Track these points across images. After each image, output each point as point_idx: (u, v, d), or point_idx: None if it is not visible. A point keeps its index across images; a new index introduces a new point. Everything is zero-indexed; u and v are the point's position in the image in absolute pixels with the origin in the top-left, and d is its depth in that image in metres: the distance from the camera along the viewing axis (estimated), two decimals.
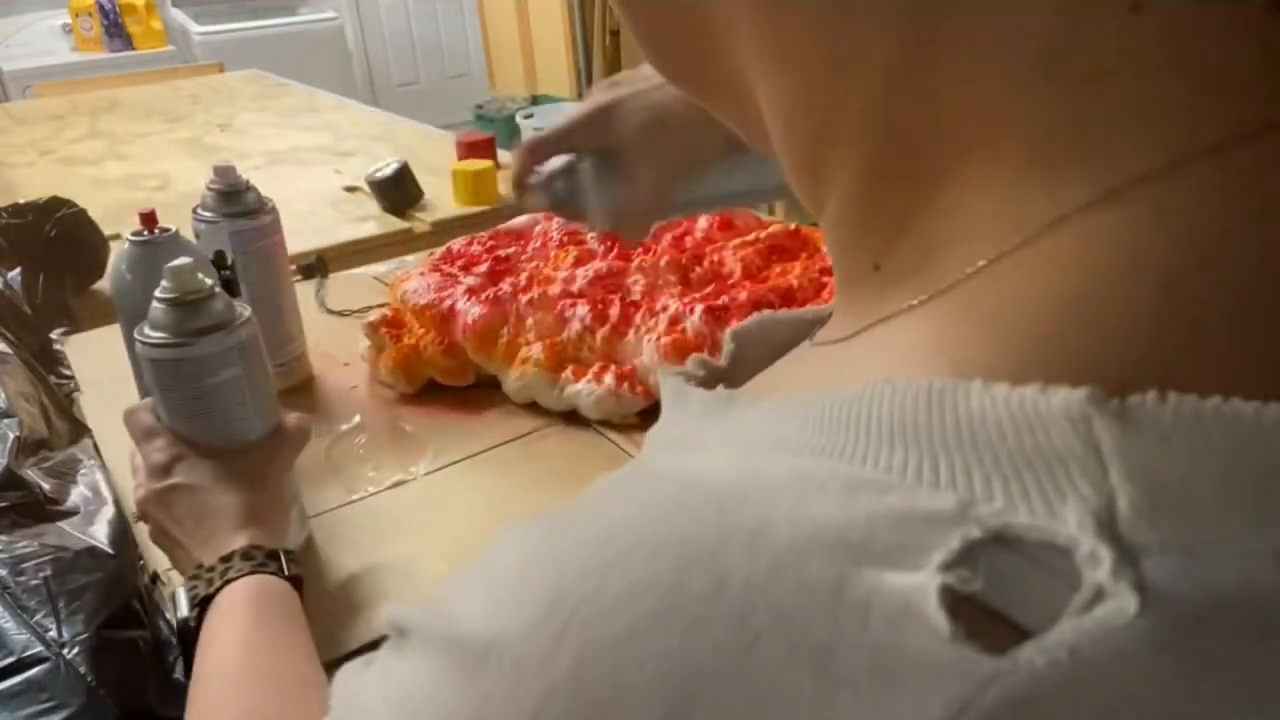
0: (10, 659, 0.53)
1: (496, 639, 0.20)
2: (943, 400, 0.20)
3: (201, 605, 0.53)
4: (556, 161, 0.61)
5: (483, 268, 0.93)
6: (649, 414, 0.80)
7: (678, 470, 0.24)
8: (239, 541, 0.56)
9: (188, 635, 0.53)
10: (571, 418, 0.81)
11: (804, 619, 0.18)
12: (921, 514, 0.18)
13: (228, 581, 0.53)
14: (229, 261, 0.83)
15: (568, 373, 0.81)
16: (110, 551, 0.62)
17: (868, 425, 0.21)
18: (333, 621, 0.59)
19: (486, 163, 1.47)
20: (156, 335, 0.60)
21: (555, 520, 0.23)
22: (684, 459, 0.26)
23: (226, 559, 0.55)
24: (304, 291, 1.05)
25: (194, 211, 0.84)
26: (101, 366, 0.92)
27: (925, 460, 0.19)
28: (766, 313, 0.42)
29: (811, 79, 0.24)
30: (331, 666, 0.56)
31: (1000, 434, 0.19)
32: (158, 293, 0.61)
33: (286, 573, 0.55)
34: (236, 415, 0.61)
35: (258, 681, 0.49)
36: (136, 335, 0.61)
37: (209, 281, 0.62)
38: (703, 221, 1.02)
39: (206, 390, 0.60)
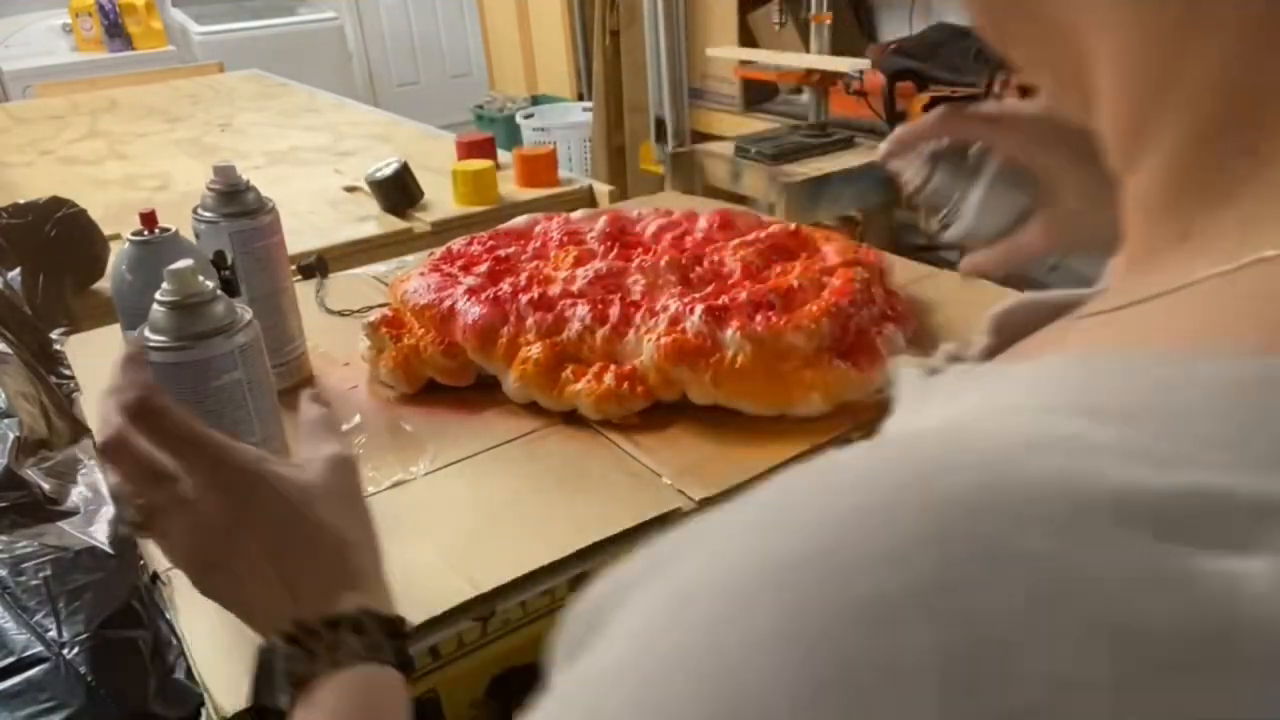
0: (10, 659, 0.53)
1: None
2: (1266, 378, 0.18)
3: (295, 686, 0.44)
4: (960, 144, 0.54)
5: (483, 268, 0.93)
6: (649, 414, 0.80)
7: (920, 431, 0.22)
8: (347, 602, 0.47)
9: (275, 709, 0.45)
10: (571, 418, 0.81)
11: (1104, 592, 0.16)
12: (1247, 498, 0.17)
13: (336, 664, 0.44)
14: (229, 261, 0.83)
15: (568, 373, 0.81)
16: (110, 551, 0.62)
17: (1167, 396, 0.19)
18: None
19: (486, 163, 1.47)
20: (157, 338, 0.60)
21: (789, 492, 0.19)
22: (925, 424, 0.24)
23: (333, 625, 0.45)
24: (304, 291, 1.05)
25: (194, 211, 0.84)
26: (101, 366, 0.91)
27: (1240, 440, 0.18)
28: (1029, 294, 0.35)
29: (1163, 29, 0.23)
30: None
31: None
32: (158, 295, 0.61)
33: (404, 656, 0.47)
34: (238, 419, 0.61)
35: None
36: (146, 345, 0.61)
37: (210, 284, 0.62)
38: (702, 222, 1.02)
39: (208, 394, 0.60)
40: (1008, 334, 0.33)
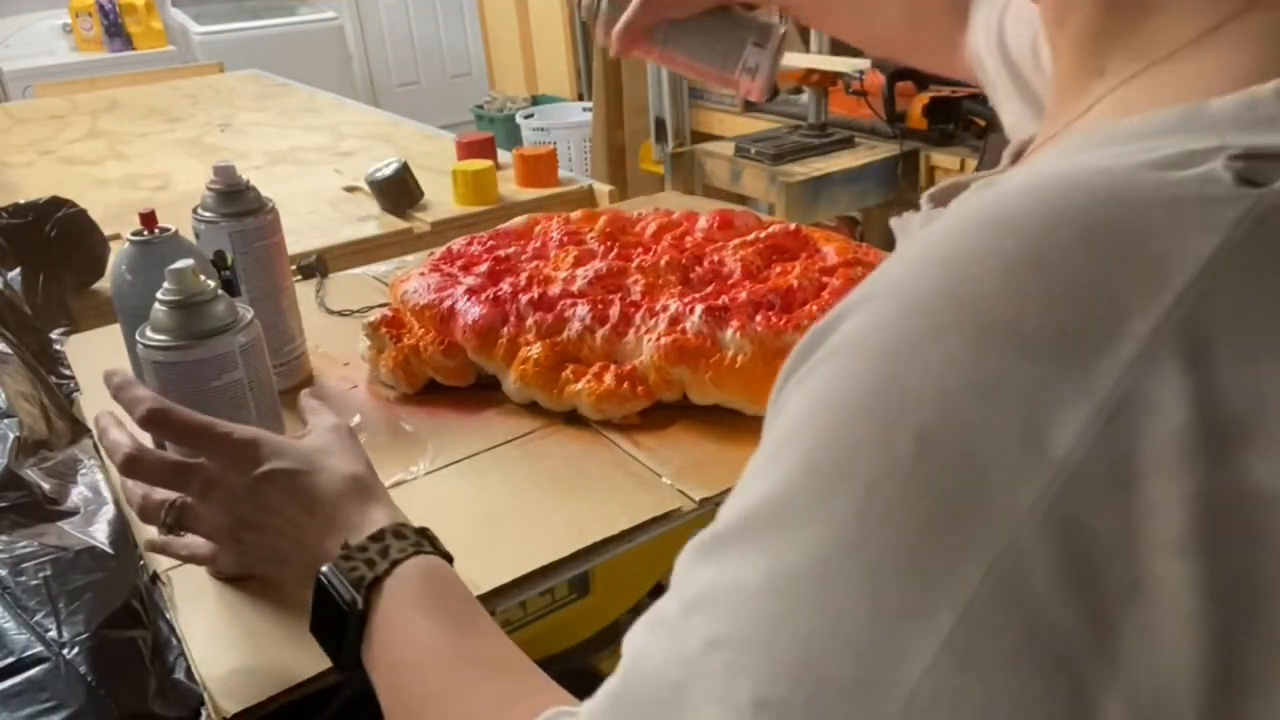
0: (10, 659, 0.53)
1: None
2: (1191, 110, 0.27)
3: (368, 589, 0.49)
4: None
5: (483, 268, 0.93)
6: (649, 414, 0.80)
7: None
8: (381, 519, 0.52)
9: (347, 619, 0.49)
10: (571, 418, 0.81)
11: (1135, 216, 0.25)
12: (1201, 150, 0.25)
13: (394, 563, 0.49)
14: (229, 261, 0.83)
15: (568, 373, 0.81)
16: (110, 551, 0.62)
17: (1134, 133, 0.27)
18: None
19: (486, 163, 1.47)
20: (158, 338, 0.60)
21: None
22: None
23: (378, 538, 0.51)
24: (304, 291, 1.05)
25: (194, 211, 0.84)
26: (101, 366, 0.91)
27: (1187, 139, 0.26)
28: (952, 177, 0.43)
29: None
30: (326, 668, 0.56)
31: (1231, 113, 0.26)
32: (160, 295, 0.61)
33: (442, 551, 0.53)
34: (240, 418, 0.61)
35: (478, 666, 0.46)
36: (138, 338, 0.61)
37: (211, 284, 0.62)
38: (703, 222, 1.02)
39: (210, 393, 0.60)
40: (942, 202, 0.41)
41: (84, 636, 0.55)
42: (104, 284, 1.17)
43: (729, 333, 0.79)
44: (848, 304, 0.28)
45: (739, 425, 0.78)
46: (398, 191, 1.42)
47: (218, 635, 0.60)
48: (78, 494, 0.69)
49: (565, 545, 0.65)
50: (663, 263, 0.91)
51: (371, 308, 1.02)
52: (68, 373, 0.95)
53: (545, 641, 0.75)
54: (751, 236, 0.96)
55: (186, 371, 0.60)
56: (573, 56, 3.80)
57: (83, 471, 0.72)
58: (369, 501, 0.54)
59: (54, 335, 1.02)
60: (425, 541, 0.52)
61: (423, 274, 0.93)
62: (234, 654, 0.58)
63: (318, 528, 0.53)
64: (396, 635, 0.48)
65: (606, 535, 0.66)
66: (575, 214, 1.08)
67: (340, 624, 0.49)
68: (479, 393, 0.86)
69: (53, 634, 0.55)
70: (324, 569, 0.50)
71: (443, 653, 0.47)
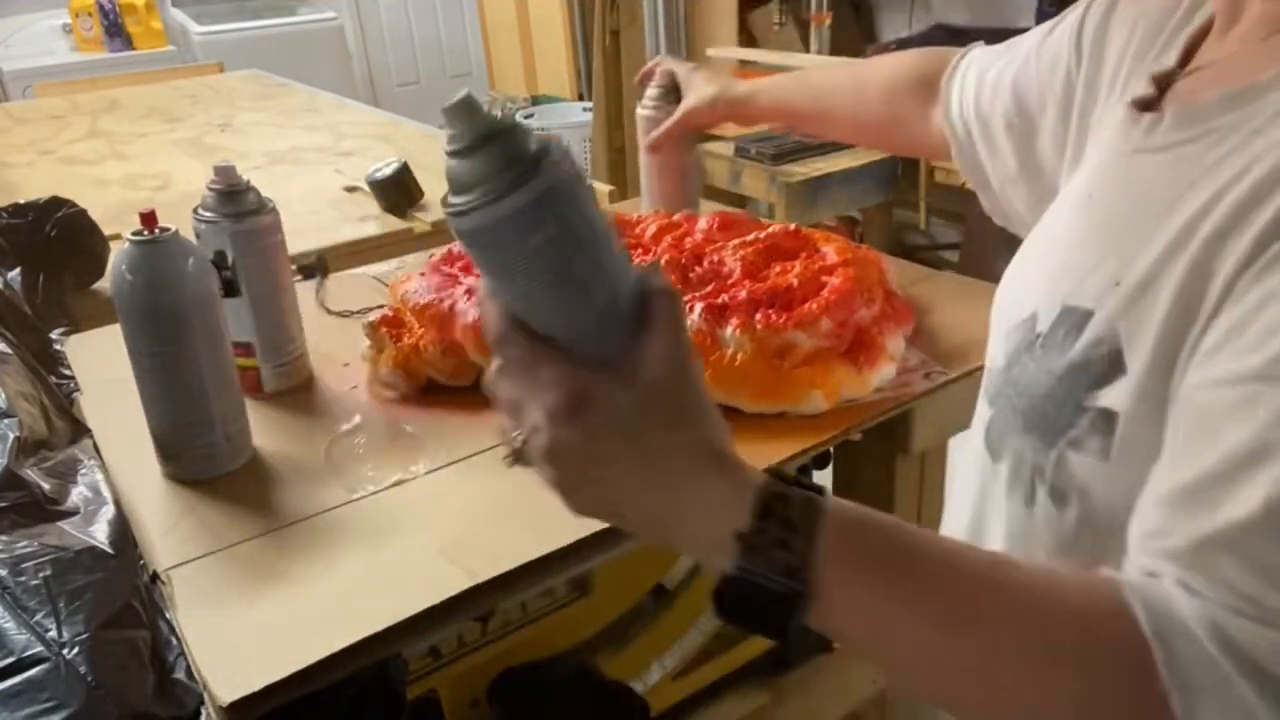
0: (10, 659, 0.53)
1: None
2: None
3: (793, 574, 0.42)
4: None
5: None
6: None
7: None
8: (753, 480, 0.45)
9: (791, 607, 0.43)
10: None
11: None
12: None
13: (810, 534, 0.43)
14: (229, 261, 0.83)
15: None
16: (110, 551, 0.62)
17: None
18: (332, 621, 0.59)
19: None
20: (467, 199, 0.42)
21: None
22: None
23: (764, 513, 0.43)
24: (304, 291, 1.05)
25: (194, 211, 0.84)
26: (101, 366, 0.92)
27: None
28: None
29: None
30: (323, 667, 0.56)
31: None
32: (446, 146, 0.43)
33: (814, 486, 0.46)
34: (603, 267, 0.45)
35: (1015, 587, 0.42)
36: (448, 213, 0.43)
37: (499, 112, 0.48)
38: (703, 222, 1.02)
39: (557, 246, 0.43)
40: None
41: (84, 636, 0.55)
42: (104, 284, 1.17)
43: (729, 331, 0.79)
44: None
45: (739, 423, 0.78)
46: (398, 191, 1.42)
47: (217, 635, 0.60)
48: (78, 494, 0.69)
49: (564, 538, 0.65)
50: (663, 262, 0.91)
51: (371, 308, 1.02)
52: (68, 373, 0.95)
53: (545, 641, 0.75)
54: (751, 237, 0.96)
55: (520, 229, 0.42)
56: (573, 56, 3.80)
57: (83, 471, 0.72)
58: (729, 466, 0.45)
59: (54, 335, 1.02)
60: (812, 493, 0.44)
61: (423, 274, 0.93)
62: (233, 650, 0.58)
63: (681, 504, 0.45)
64: (861, 614, 0.44)
65: (606, 527, 0.66)
66: None
67: (781, 609, 0.43)
68: (479, 393, 0.86)
69: (53, 634, 0.55)
70: (736, 564, 0.43)
71: (991, 573, 0.43)
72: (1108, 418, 0.48)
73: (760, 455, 0.74)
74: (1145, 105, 0.55)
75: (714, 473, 0.45)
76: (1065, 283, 0.53)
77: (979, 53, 0.81)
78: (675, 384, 0.45)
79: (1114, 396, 0.48)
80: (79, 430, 0.81)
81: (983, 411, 0.59)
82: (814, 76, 1.07)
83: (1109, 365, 0.48)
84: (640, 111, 1.16)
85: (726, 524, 0.44)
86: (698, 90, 1.08)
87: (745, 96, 1.04)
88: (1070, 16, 0.67)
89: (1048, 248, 0.59)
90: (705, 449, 0.45)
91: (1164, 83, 0.56)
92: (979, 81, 0.77)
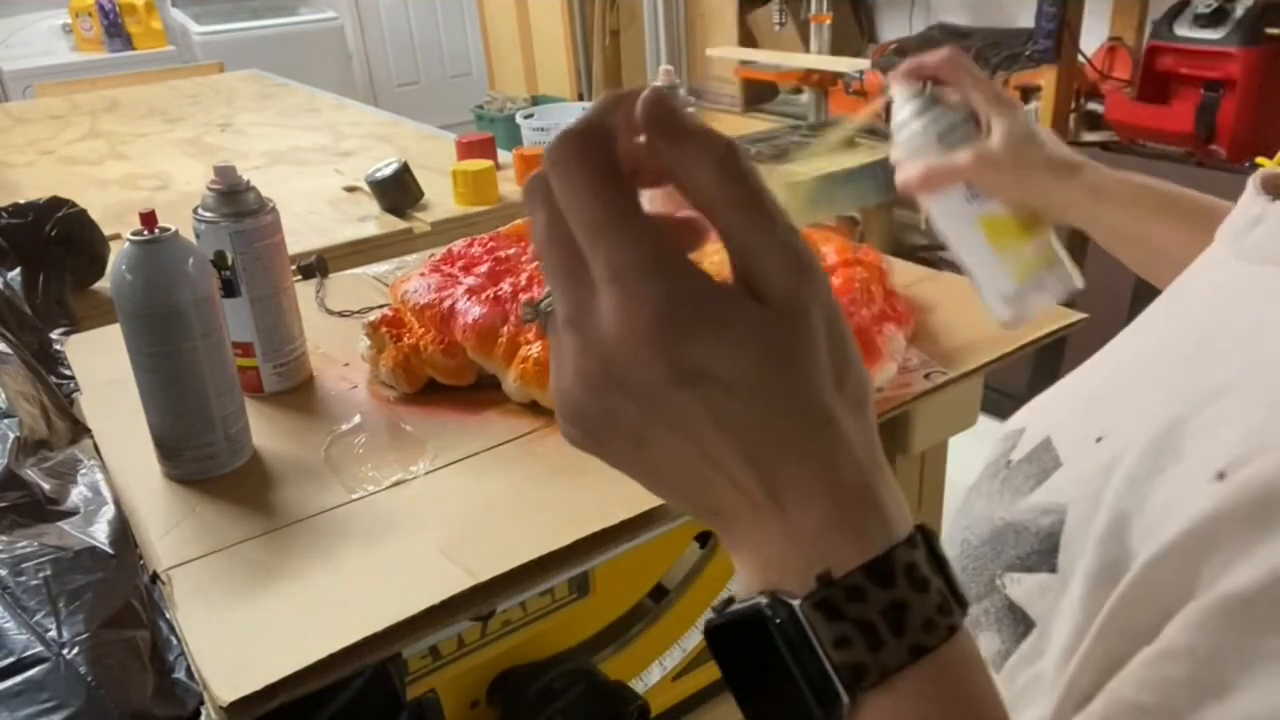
0: (10, 659, 0.53)
1: None
2: None
3: (855, 679, 0.28)
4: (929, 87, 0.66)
5: (483, 268, 0.93)
6: None
7: None
8: (894, 519, 0.29)
9: (823, 703, 0.28)
10: None
11: None
12: None
13: (916, 652, 0.28)
14: (229, 261, 0.83)
15: None
16: (110, 551, 0.62)
17: None
18: (331, 621, 0.59)
19: (486, 163, 1.47)
20: None
21: None
22: None
23: (883, 577, 0.28)
24: (304, 291, 1.05)
25: (194, 211, 0.84)
26: (101, 366, 0.92)
27: None
28: None
29: None
30: (323, 667, 0.56)
31: None
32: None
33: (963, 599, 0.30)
34: None
35: None
36: None
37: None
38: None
39: None
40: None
41: (84, 636, 0.55)
42: (104, 284, 1.17)
43: None
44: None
45: None
46: (398, 191, 1.42)
47: (217, 634, 0.60)
48: (78, 494, 0.69)
49: (563, 537, 0.65)
50: None
51: (371, 308, 1.02)
52: (68, 373, 0.95)
53: (545, 641, 0.75)
54: None
55: None
56: (573, 56, 3.80)
57: (83, 471, 0.72)
58: (872, 486, 0.30)
59: (54, 335, 1.02)
60: (956, 600, 0.30)
61: (423, 274, 0.93)
62: (233, 650, 0.58)
63: (768, 517, 0.30)
64: None
65: (604, 527, 0.66)
66: None
67: (796, 700, 0.29)
68: (479, 393, 0.86)
69: (53, 634, 0.55)
70: (790, 611, 0.29)
71: None
72: (1016, 616, 0.37)
73: None
74: (1276, 185, 0.42)
75: (846, 472, 0.29)
76: (1067, 404, 0.44)
77: None
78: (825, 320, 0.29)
79: (1025, 593, 0.37)
80: (79, 430, 0.81)
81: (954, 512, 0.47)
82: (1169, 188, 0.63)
83: (1039, 545, 0.36)
84: None
85: (818, 553, 0.29)
86: (1046, 147, 0.64)
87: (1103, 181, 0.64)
88: None
89: (1113, 347, 0.47)
90: (834, 428, 0.29)
91: None
92: None
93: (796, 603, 0.28)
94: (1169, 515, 0.32)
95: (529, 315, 0.35)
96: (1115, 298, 1.32)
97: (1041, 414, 0.45)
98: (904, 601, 0.28)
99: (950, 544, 0.43)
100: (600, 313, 0.29)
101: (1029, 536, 0.37)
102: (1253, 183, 0.42)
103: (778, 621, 0.28)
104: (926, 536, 0.30)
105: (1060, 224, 0.66)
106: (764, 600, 0.29)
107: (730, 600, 0.30)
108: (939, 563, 0.30)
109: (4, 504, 0.64)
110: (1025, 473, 0.41)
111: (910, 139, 0.66)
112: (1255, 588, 0.28)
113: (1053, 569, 0.36)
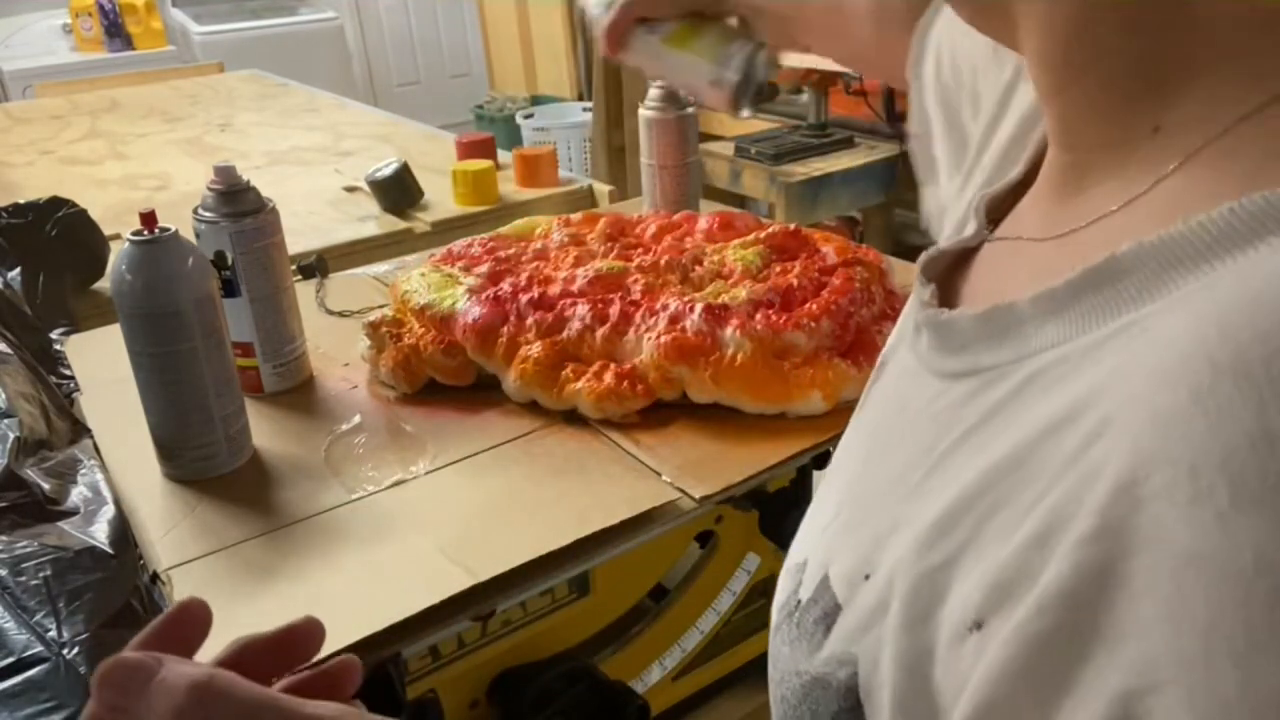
0: (10, 659, 0.53)
1: None
2: None
3: None
4: None
5: (483, 268, 0.93)
6: (649, 413, 0.80)
7: None
8: None
9: None
10: (571, 417, 0.81)
11: None
12: None
13: None
14: (229, 261, 0.83)
15: (568, 372, 0.81)
16: (110, 551, 0.62)
17: None
18: (331, 621, 0.59)
19: (486, 163, 1.47)
20: None
21: None
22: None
23: None
24: (304, 291, 1.05)
25: (194, 211, 0.84)
26: (101, 366, 0.92)
27: None
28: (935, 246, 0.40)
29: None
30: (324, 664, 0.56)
31: None
32: None
33: None
34: None
35: None
36: None
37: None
38: (703, 222, 1.02)
39: None
40: (932, 275, 0.38)
41: (84, 636, 0.55)
42: (104, 284, 1.17)
43: (729, 331, 0.79)
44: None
45: (739, 423, 0.78)
46: (398, 191, 1.42)
47: (217, 634, 0.59)
48: (78, 494, 0.69)
49: (564, 536, 0.65)
50: (663, 262, 0.91)
51: (371, 308, 1.02)
52: (68, 373, 0.95)
53: (545, 641, 0.75)
54: (751, 237, 0.96)
55: None
56: (573, 56, 3.80)
57: (83, 471, 0.72)
58: None
59: (54, 335, 1.02)
60: None
61: (423, 274, 0.93)
62: None
63: None
64: None
65: (606, 525, 0.66)
66: (576, 215, 1.08)
67: None
68: (479, 393, 0.86)
69: (53, 634, 0.55)
70: None
71: None
72: None
73: (759, 456, 0.75)
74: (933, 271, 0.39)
75: None
76: (833, 528, 0.39)
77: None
78: None
79: None
80: (79, 430, 0.81)
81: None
82: None
83: (843, 701, 0.34)
84: (642, 113, 1.16)
85: None
86: None
87: None
88: None
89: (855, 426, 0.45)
90: None
91: (997, 212, 0.40)
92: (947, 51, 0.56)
93: None
94: (952, 673, 0.28)
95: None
96: None
97: (818, 543, 0.40)
98: None
99: (773, 703, 0.40)
100: None
101: (833, 694, 0.35)
102: (919, 275, 0.39)
103: None
104: None
105: (731, 14, 0.75)
106: None
107: None
108: None
109: (4, 504, 0.64)
110: (814, 615, 0.37)
111: (597, 17, 0.78)
112: None
113: None
